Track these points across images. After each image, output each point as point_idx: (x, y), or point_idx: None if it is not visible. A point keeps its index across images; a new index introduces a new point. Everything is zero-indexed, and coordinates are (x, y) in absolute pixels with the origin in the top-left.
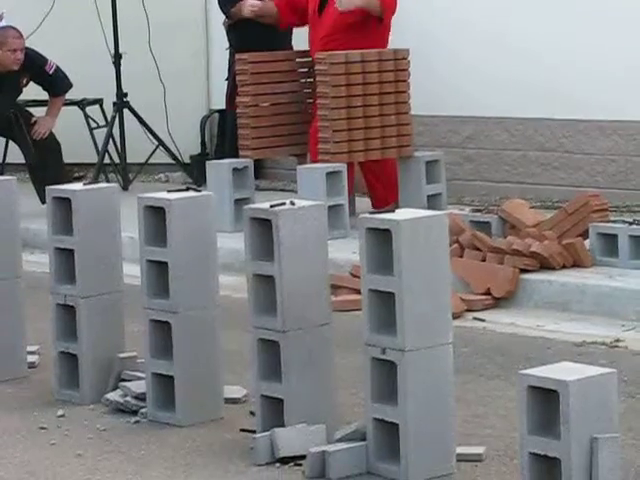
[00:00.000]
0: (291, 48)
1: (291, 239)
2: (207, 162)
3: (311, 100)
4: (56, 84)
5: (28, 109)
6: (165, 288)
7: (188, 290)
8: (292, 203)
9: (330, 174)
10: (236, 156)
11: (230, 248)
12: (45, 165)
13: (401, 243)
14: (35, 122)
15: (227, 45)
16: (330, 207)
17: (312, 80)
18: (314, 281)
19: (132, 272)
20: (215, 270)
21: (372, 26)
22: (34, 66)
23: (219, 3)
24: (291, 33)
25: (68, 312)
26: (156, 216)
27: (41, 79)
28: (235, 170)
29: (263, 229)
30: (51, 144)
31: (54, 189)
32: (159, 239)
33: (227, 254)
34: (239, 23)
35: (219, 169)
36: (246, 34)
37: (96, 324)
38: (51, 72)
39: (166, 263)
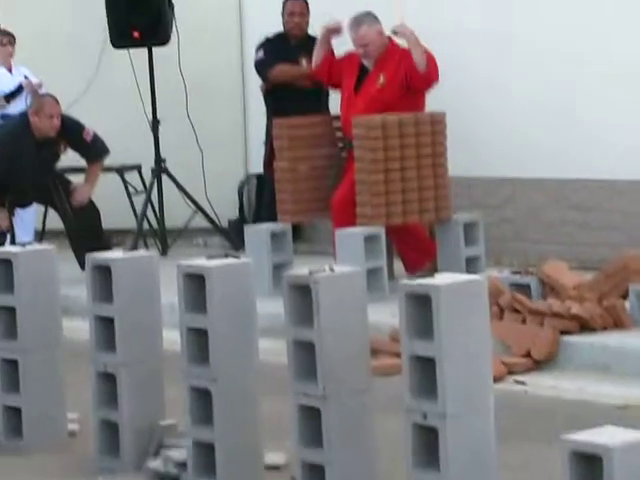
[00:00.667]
0: (328, 112)
1: (330, 305)
2: (245, 227)
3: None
4: (94, 151)
5: (66, 176)
6: (205, 355)
7: (228, 357)
8: (331, 269)
9: (368, 238)
10: (274, 220)
11: (269, 312)
12: (84, 232)
13: (441, 308)
14: (74, 189)
15: (264, 110)
16: (368, 270)
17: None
18: (354, 346)
19: (172, 337)
20: (255, 336)
21: (408, 105)
22: (72, 133)
23: (256, 68)
24: (327, 97)
25: (108, 380)
26: (196, 283)
27: (79, 146)
28: (273, 235)
29: (302, 295)
30: (90, 211)
31: (94, 257)
32: (199, 306)
33: (266, 318)
34: (276, 88)
35: (258, 234)
36: (283, 99)
37: (136, 392)
38: (89, 139)
39: (206, 330)
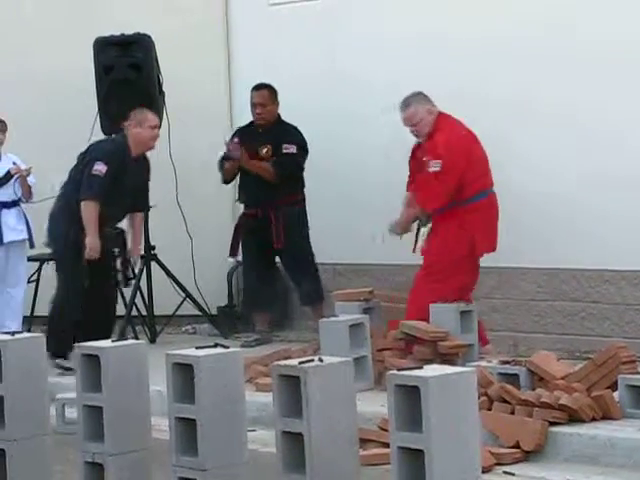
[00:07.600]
0: (302, 193)
1: (319, 395)
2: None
3: None
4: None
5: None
6: (194, 445)
7: (217, 447)
8: (320, 360)
9: (353, 326)
10: (255, 308)
11: (257, 401)
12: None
13: (429, 400)
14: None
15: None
16: (354, 359)
17: None
18: (343, 437)
19: (160, 425)
20: (244, 426)
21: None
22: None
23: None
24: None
25: (97, 470)
26: (185, 372)
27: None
28: None
29: (292, 385)
30: (111, 302)
31: (83, 346)
32: (188, 395)
33: (255, 407)
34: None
35: None
36: (247, 188)
37: None
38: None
39: (195, 420)
